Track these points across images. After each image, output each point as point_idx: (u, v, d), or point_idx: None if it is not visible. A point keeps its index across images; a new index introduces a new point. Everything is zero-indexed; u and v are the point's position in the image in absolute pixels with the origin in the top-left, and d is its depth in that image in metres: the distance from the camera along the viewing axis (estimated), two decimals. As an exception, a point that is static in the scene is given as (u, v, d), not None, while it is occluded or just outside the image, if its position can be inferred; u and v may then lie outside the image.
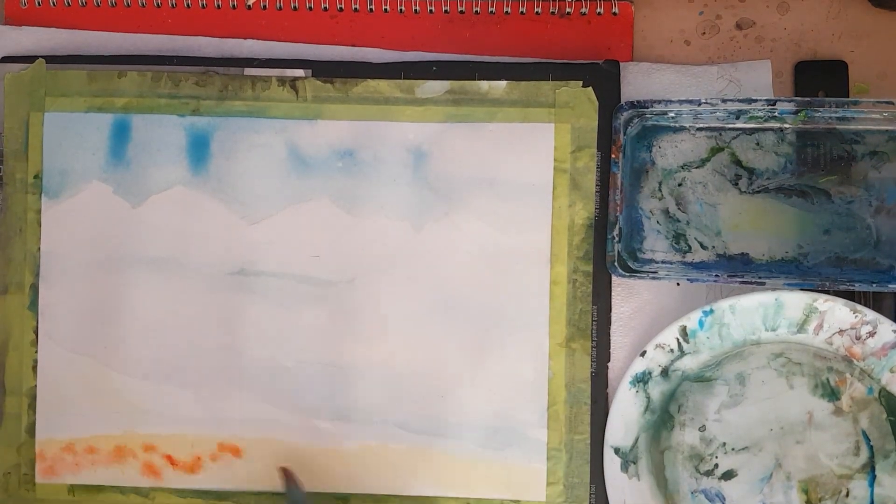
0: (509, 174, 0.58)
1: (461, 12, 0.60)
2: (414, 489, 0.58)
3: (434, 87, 0.58)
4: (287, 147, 0.59)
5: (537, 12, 0.59)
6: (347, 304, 0.58)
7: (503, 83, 0.58)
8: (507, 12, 0.59)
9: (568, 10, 0.59)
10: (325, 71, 0.59)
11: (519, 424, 0.57)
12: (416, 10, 0.60)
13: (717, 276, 0.55)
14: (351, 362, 0.58)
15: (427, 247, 0.58)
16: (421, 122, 0.58)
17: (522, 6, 0.59)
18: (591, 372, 0.57)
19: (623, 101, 0.57)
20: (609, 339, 0.58)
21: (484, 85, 0.58)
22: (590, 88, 0.57)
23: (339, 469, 0.58)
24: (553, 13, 0.59)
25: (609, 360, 0.58)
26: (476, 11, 0.60)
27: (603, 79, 0.58)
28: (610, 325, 0.58)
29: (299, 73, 0.59)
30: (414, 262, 0.58)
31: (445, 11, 0.59)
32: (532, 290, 0.58)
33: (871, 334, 0.54)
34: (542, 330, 0.58)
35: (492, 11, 0.59)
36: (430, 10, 0.59)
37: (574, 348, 0.57)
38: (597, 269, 0.57)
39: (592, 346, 0.58)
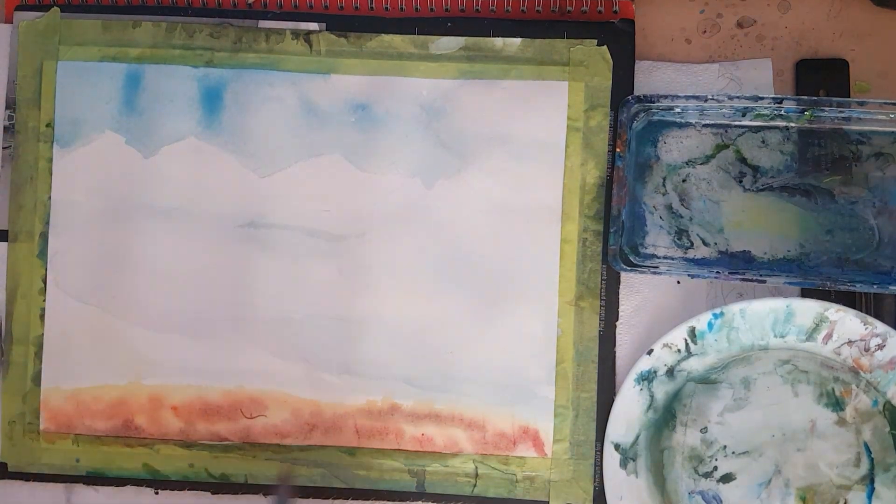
0: (522, 132, 0.58)
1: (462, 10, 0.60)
2: (420, 444, 0.58)
3: (448, 44, 0.58)
4: (300, 101, 0.59)
5: (538, 10, 0.59)
6: (357, 258, 0.58)
7: (518, 40, 0.58)
8: (507, 10, 0.59)
9: (569, 8, 0.59)
10: (340, 25, 0.59)
11: (527, 381, 0.57)
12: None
13: (718, 272, 0.55)
14: (360, 317, 0.58)
15: (438, 203, 0.58)
16: (435, 78, 0.58)
17: (523, 5, 0.59)
18: (600, 330, 0.57)
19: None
20: (618, 299, 0.58)
21: (498, 42, 0.58)
22: (604, 47, 0.58)
23: (345, 423, 0.58)
24: (554, 11, 0.59)
25: (617, 320, 0.58)
26: (476, 10, 0.59)
27: (618, 38, 0.58)
28: (619, 284, 0.58)
29: (313, 26, 0.59)
30: (425, 219, 0.58)
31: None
32: (542, 249, 0.58)
33: (881, 347, 0.54)
34: (551, 288, 0.57)
35: (492, 10, 0.59)
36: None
37: (583, 307, 0.57)
38: (606, 230, 0.57)
39: (601, 305, 0.58)
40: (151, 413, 0.58)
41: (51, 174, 0.59)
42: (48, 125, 0.59)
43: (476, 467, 0.58)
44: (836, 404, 0.55)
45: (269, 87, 0.59)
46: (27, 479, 0.59)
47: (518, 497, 0.57)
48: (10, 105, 0.60)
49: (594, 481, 0.57)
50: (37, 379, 0.59)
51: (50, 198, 0.59)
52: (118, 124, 0.59)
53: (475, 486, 0.58)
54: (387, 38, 0.58)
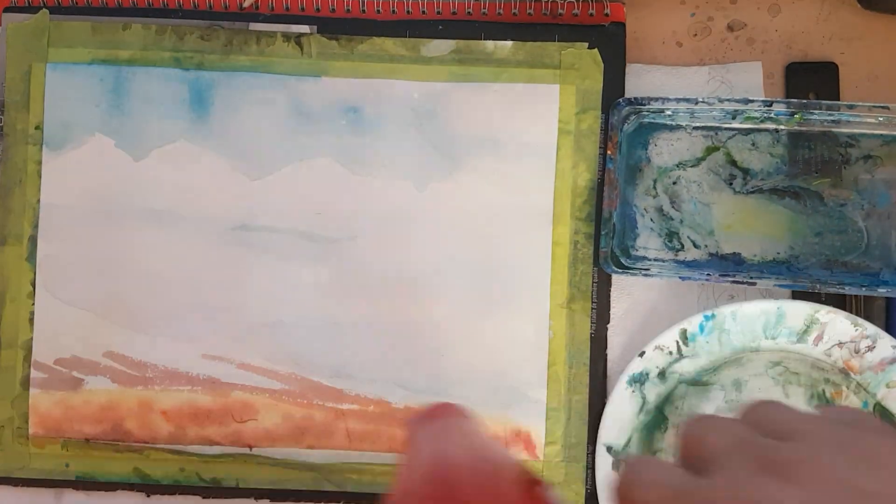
0: (513, 135, 0.58)
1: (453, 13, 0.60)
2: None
3: (440, 46, 0.58)
4: (291, 103, 0.59)
5: (529, 13, 0.59)
6: (349, 261, 0.58)
7: (509, 43, 0.58)
8: (499, 13, 0.59)
9: (560, 11, 0.59)
10: (331, 27, 0.59)
11: (519, 384, 0.57)
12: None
13: (708, 275, 0.55)
14: (351, 320, 0.58)
15: (430, 206, 0.58)
16: (426, 80, 0.58)
17: (515, 8, 0.59)
18: (591, 333, 0.58)
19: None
20: (609, 301, 0.58)
21: (490, 45, 0.58)
22: (595, 50, 0.58)
23: (337, 426, 0.58)
24: (545, 14, 0.59)
25: (609, 322, 0.58)
26: (468, 13, 0.59)
27: (608, 41, 0.58)
28: (610, 286, 0.58)
29: (304, 29, 0.59)
30: (416, 222, 0.58)
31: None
32: (534, 251, 0.58)
33: (871, 348, 0.54)
34: (543, 291, 0.58)
35: (484, 13, 0.59)
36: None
37: (574, 309, 0.57)
38: (597, 233, 0.58)
39: (592, 308, 0.58)
40: (141, 417, 0.58)
41: (40, 177, 0.59)
42: (37, 128, 0.59)
43: (468, 470, 0.58)
44: (827, 405, 0.56)
45: (260, 90, 0.59)
46: (16, 485, 0.58)
47: (510, 500, 0.57)
48: (-1, 107, 0.59)
49: (586, 483, 0.57)
50: (25, 383, 0.58)
51: (39, 201, 0.59)
52: (108, 127, 0.59)
53: (467, 488, 0.58)
54: (378, 40, 0.58)
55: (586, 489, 0.57)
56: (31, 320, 0.58)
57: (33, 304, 0.58)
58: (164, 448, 0.58)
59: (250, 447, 0.58)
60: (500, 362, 0.58)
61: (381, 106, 0.58)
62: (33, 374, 0.58)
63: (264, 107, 0.59)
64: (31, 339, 0.58)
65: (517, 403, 0.57)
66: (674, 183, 0.58)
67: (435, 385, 0.58)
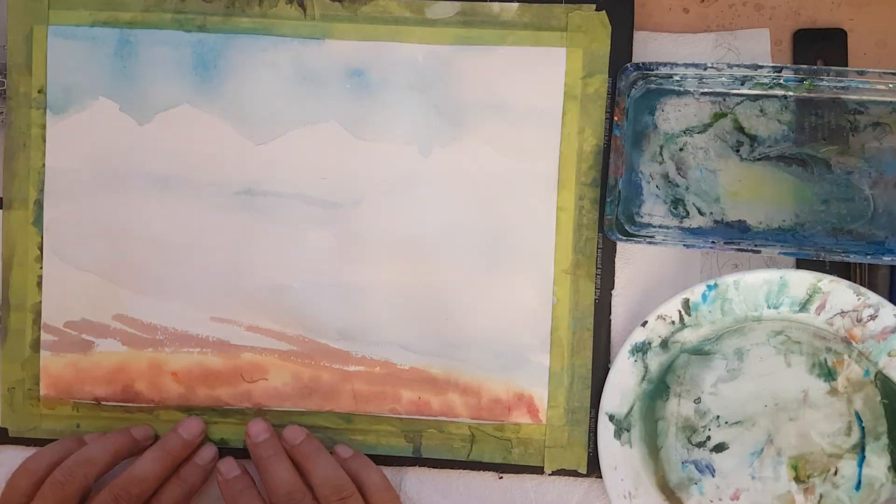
0: (519, 99, 0.57)
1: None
2: (417, 408, 0.58)
3: (444, 8, 0.57)
4: (294, 66, 0.58)
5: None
6: (353, 225, 0.58)
7: (515, 5, 0.57)
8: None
9: None
10: (335, -11, 0.58)
11: (522, 348, 0.58)
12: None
13: (713, 242, 0.55)
14: (356, 283, 0.58)
15: (434, 171, 0.58)
16: (430, 43, 0.58)
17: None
18: (595, 299, 0.58)
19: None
20: (613, 267, 0.58)
21: (495, 6, 0.57)
22: (603, 12, 0.57)
23: (343, 387, 0.58)
24: None
25: (613, 288, 0.58)
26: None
27: (616, 3, 0.57)
28: (615, 252, 0.58)
29: (308, -10, 0.58)
30: (420, 186, 0.58)
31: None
32: (539, 216, 0.58)
33: (873, 317, 0.54)
34: (547, 256, 0.58)
35: None
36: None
37: (579, 275, 0.58)
38: (603, 199, 0.57)
39: (597, 273, 0.58)
40: (151, 379, 0.59)
41: (44, 141, 0.59)
42: (40, 91, 0.58)
43: (472, 433, 0.58)
44: (829, 374, 0.56)
45: (263, 53, 0.58)
46: (27, 445, 0.59)
47: (513, 462, 0.58)
48: (1, 71, 0.59)
49: (588, 447, 0.58)
50: (35, 346, 0.59)
51: (44, 165, 0.59)
52: (112, 91, 0.58)
53: (471, 451, 0.59)
54: (382, 2, 0.58)
55: (588, 452, 0.58)
56: (40, 284, 0.59)
57: (41, 267, 0.59)
58: (174, 409, 0.59)
59: (260, 406, 0.59)
60: (504, 326, 0.58)
61: (386, 69, 0.58)
62: (43, 336, 0.59)
63: (267, 70, 0.58)
64: (40, 302, 0.59)
65: (520, 367, 0.58)
66: (680, 149, 0.57)
67: (439, 348, 0.58)
